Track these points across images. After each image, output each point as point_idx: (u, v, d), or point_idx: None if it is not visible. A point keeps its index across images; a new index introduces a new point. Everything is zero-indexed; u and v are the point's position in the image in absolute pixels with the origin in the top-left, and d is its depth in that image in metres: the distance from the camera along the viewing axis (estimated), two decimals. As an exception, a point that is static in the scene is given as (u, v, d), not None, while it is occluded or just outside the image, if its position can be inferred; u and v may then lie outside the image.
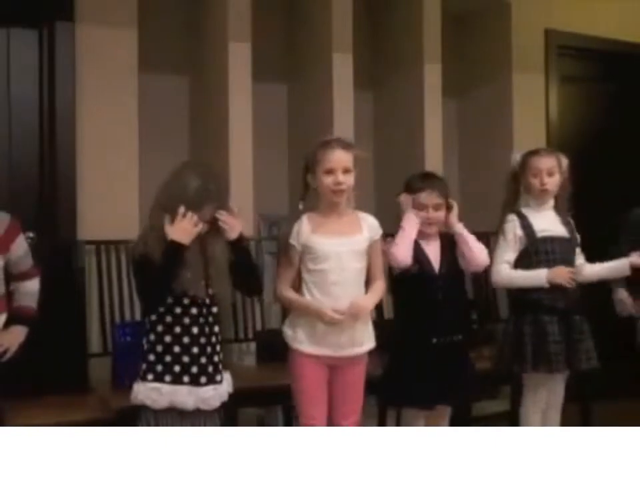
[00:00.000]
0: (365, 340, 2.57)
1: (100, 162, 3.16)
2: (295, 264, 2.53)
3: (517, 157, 3.04)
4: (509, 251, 2.95)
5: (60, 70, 3.10)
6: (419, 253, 2.71)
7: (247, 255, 2.44)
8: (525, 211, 2.98)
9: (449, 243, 2.78)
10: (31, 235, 3.01)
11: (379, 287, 2.60)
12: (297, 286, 2.56)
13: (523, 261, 2.94)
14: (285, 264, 2.56)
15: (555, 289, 2.87)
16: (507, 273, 2.94)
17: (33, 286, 2.53)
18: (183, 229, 2.24)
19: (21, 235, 2.48)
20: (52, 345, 2.83)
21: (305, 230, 2.51)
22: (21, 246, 2.47)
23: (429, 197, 2.73)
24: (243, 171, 3.32)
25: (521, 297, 2.95)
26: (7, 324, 2.45)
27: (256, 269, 2.52)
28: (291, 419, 3.19)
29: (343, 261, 2.49)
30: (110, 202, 3.17)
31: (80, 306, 3.06)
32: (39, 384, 2.77)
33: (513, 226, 2.95)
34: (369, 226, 2.58)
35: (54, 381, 2.81)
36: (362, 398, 2.59)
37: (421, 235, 2.74)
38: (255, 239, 3.41)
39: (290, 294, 2.54)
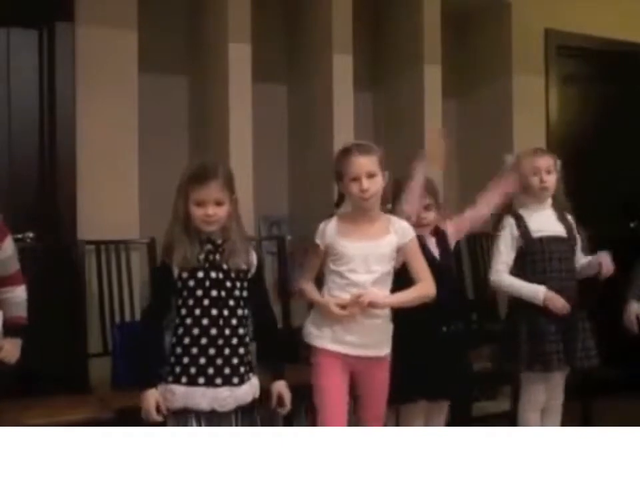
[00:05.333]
0: (382, 345, 2.58)
1: (100, 162, 3.16)
2: (318, 261, 2.58)
3: (509, 159, 3.06)
4: (507, 253, 2.96)
5: (60, 70, 3.10)
6: (422, 248, 2.73)
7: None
8: (521, 211, 3.00)
9: (442, 237, 2.83)
10: (31, 234, 3.01)
11: (418, 288, 2.56)
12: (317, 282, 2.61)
13: (519, 260, 2.95)
14: (310, 259, 2.61)
15: (553, 289, 2.88)
16: (506, 278, 2.94)
17: (22, 294, 2.47)
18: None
19: (9, 236, 2.43)
20: (52, 345, 2.83)
21: (331, 231, 2.53)
22: (9, 246, 2.43)
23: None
24: (243, 171, 3.32)
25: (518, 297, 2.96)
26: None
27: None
28: (291, 419, 3.19)
29: (367, 264, 2.49)
30: (110, 202, 3.17)
31: (80, 306, 3.05)
32: (39, 384, 2.77)
33: (510, 228, 2.97)
34: (398, 230, 2.57)
35: (54, 381, 2.81)
36: (386, 399, 2.60)
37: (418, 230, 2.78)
38: (255, 238, 3.41)
39: (305, 286, 2.61)
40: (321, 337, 2.53)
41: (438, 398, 2.76)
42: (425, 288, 2.56)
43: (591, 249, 3.09)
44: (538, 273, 2.92)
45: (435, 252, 2.80)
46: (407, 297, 2.54)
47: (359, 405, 2.61)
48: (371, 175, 2.48)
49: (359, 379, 2.57)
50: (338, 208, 2.60)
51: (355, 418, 2.61)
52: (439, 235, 2.85)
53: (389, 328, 2.59)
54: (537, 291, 2.88)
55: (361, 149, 2.53)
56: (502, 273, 2.95)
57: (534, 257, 2.93)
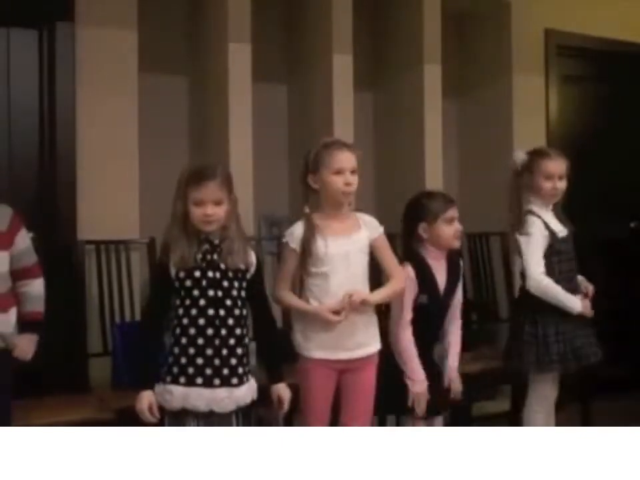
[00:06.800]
0: (374, 340, 2.58)
1: (100, 162, 3.16)
2: (293, 266, 2.52)
3: (520, 155, 2.99)
4: (541, 254, 2.89)
5: (60, 70, 3.10)
6: (428, 281, 2.71)
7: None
8: (537, 211, 2.93)
9: (454, 264, 2.78)
10: (31, 234, 3.00)
11: (392, 283, 2.58)
12: (293, 288, 2.55)
13: (545, 260, 2.90)
14: (285, 266, 2.55)
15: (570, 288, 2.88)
16: (546, 284, 2.86)
17: (39, 287, 2.50)
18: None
19: (23, 228, 2.47)
20: (52, 345, 2.82)
21: (305, 233, 2.49)
22: (23, 239, 2.46)
23: (455, 210, 2.73)
24: (243, 171, 3.32)
25: (524, 299, 2.95)
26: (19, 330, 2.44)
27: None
28: (291, 419, 3.19)
29: (345, 262, 2.48)
30: (110, 202, 3.17)
31: (80, 306, 3.06)
32: (39, 384, 2.76)
33: (539, 227, 2.89)
34: (368, 225, 2.57)
35: (54, 381, 2.80)
36: (372, 400, 2.57)
37: (435, 256, 2.74)
38: (255, 238, 3.41)
39: (288, 296, 2.53)
40: (311, 348, 2.50)
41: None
42: (399, 283, 2.59)
43: (590, 250, 3.10)
44: (564, 272, 2.90)
45: (441, 282, 2.73)
46: (387, 292, 2.57)
47: (346, 403, 2.56)
48: (353, 171, 2.49)
49: (348, 378, 2.54)
50: (308, 203, 2.53)
51: (340, 418, 2.57)
52: (450, 260, 2.77)
53: (376, 320, 2.59)
54: (574, 303, 2.86)
55: (346, 144, 2.54)
56: (545, 277, 2.86)
57: (560, 257, 2.90)
